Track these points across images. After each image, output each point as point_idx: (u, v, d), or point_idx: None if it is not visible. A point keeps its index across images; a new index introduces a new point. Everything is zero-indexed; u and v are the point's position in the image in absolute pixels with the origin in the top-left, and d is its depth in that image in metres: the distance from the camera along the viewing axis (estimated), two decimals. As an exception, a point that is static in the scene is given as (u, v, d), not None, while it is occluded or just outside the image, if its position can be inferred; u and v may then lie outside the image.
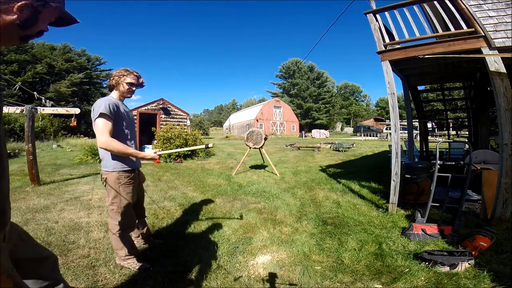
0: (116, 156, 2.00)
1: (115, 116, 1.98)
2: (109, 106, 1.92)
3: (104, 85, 39.65)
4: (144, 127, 10.78)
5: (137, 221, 2.38)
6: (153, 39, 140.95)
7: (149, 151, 2.10)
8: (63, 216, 3.38)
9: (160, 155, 2.11)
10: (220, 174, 6.69)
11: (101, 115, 1.88)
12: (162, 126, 10.30)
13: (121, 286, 1.95)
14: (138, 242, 2.50)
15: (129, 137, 2.12)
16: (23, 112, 5.33)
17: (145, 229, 2.55)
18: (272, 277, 2.10)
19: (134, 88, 2.13)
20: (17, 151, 11.04)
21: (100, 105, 1.91)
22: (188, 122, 11.90)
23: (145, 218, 2.57)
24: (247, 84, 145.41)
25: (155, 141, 9.80)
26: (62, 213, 3.51)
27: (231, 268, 2.22)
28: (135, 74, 2.12)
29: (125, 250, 2.13)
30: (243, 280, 2.05)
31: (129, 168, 2.08)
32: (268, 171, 7.16)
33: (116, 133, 2.00)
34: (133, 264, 2.15)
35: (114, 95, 2.12)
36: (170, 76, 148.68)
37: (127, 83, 2.08)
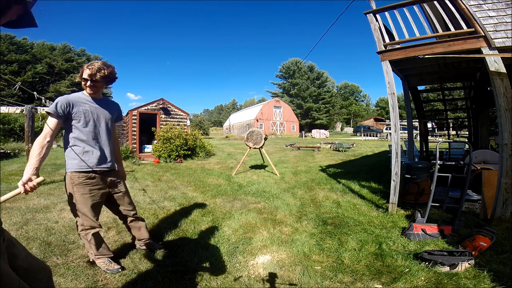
0: (71, 156, 2.00)
1: (68, 114, 1.95)
2: (57, 104, 1.90)
3: (104, 85, 39.67)
4: (144, 127, 10.76)
5: (124, 223, 2.39)
6: (154, 39, 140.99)
7: (23, 179, 1.49)
8: (63, 216, 3.38)
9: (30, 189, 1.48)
10: (220, 174, 6.69)
11: (47, 113, 1.92)
12: (162, 126, 10.28)
13: (121, 286, 1.95)
14: (140, 246, 2.48)
15: (92, 137, 2.04)
16: (23, 112, 5.34)
17: (141, 232, 2.43)
18: (272, 277, 2.10)
19: (88, 83, 1.99)
20: (17, 151, 11.02)
21: (54, 103, 1.92)
22: (188, 122, 11.87)
23: (139, 221, 2.43)
24: (247, 84, 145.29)
25: (155, 141, 9.80)
26: (62, 213, 3.51)
27: (231, 268, 2.22)
28: (89, 67, 1.99)
29: (93, 250, 2.10)
30: (243, 280, 2.05)
31: (85, 170, 2.00)
32: (268, 171, 7.16)
33: (71, 132, 2.00)
34: (103, 264, 2.13)
35: (83, 92, 2.09)
36: (171, 76, 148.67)
37: (81, 78, 2.01)
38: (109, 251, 2.22)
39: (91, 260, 2.20)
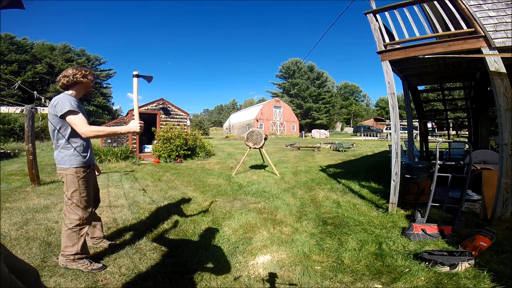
0: (73, 153, 2.10)
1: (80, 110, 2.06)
2: (71, 102, 2.00)
3: (104, 85, 39.64)
4: (144, 127, 10.76)
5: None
6: (155, 39, 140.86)
7: (133, 122, 2.11)
8: (63, 216, 3.37)
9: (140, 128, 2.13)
10: (220, 174, 6.69)
11: (70, 112, 1.97)
12: (162, 126, 10.29)
13: (121, 286, 1.95)
14: (93, 244, 2.51)
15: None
16: (23, 112, 5.34)
17: (95, 230, 2.50)
18: (272, 277, 2.10)
19: (93, 84, 2.25)
20: (17, 151, 11.03)
21: (64, 103, 1.97)
22: (188, 122, 11.87)
23: (96, 220, 2.53)
24: (247, 84, 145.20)
25: (155, 141, 9.80)
26: (62, 213, 3.51)
27: (231, 268, 2.22)
28: (92, 71, 2.25)
29: (77, 247, 2.09)
30: (243, 280, 2.05)
31: (85, 164, 2.16)
32: (268, 171, 7.16)
33: (71, 130, 2.08)
34: (83, 266, 2.10)
35: (70, 92, 2.14)
36: (171, 76, 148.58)
37: (91, 80, 2.20)
38: (88, 251, 2.24)
39: (64, 266, 2.11)
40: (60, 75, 2.14)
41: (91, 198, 2.24)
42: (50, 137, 2.18)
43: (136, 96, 2.19)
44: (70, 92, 2.13)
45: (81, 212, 2.13)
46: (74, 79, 2.11)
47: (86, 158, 2.18)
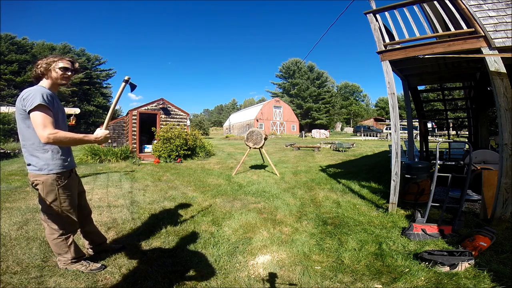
0: (51, 157, 1.87)
1: (52, 108, 1.80)
2: (45, 96, 1.74)
3: (104, 85, 39.60)
4: (144, 127, 10.76)
5: (82, 228, 2.27)
6: (155, 39, 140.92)
7: (99, 130, 1.89)
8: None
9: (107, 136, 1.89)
10: (220, 174, 6.69)
11: (40, 106, 1.69)
12: (162, 126, 10.28)
13: (121, 286, 1.95)
14: (98, 249, 2.38)
15: None
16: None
17: (95, 235, 2.37)
18: (272, 277, 2.10)
19: (69, 73, 1.95)
20: (17, 151, 11.02)
21: (35, 95, 1.70)
22: (188, 122, 11.88)
23: (93, 224, 2.39)
24: (247, 84, 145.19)
25: (155, 141, 9.80)
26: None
27: (231, 268, 2.22)
28: (67, 59, 1.98)
29: (71, 253, 2.04)
30: (243, 280, 2.05)
31: (66, 169, 1.96)
32: (268, 171, 7.16)
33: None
34: (82, 267, 2.08)
35: (44, 84, 1.90)
36: (171, 76, 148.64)
37: (59, 68, 1.90)
38: (82, 252, 2.18)
39: (62, 267, 2.08)
40: (35, 64, 1.92)
41: (75, 206, 2.06)
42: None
43: (116, 101, 1.99)
44: (45, 84, 1.90)
45: (62, 223, 1.96)
46: (42, 69, 1.88)
47: (67, 162, 1.97)
